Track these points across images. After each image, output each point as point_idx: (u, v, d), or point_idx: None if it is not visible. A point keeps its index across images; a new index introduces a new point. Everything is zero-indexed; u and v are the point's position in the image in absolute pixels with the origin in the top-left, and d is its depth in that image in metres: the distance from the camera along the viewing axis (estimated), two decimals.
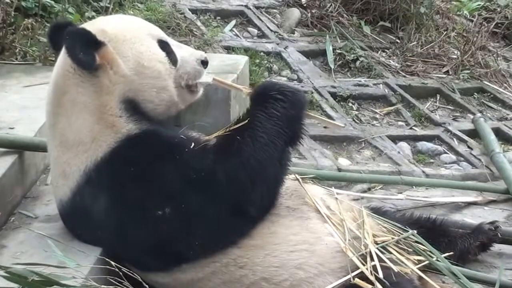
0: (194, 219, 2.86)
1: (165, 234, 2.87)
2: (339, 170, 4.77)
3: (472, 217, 4.21)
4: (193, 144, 2.91)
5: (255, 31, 6.50)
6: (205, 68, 3.14)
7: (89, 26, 3.00)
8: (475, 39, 6.70)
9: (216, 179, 2.83)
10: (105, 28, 2.95)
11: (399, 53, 6.62)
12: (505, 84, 6.58)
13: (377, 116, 5.81)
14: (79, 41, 2.84)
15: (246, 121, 2.91)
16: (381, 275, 2.88)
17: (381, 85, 6.12)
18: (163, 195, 2.85)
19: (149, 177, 2.86)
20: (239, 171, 2.84)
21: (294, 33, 6.65)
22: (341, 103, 5.81)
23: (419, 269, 3.03)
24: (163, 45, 3.03)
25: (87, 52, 2.85)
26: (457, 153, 5.39)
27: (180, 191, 2.85)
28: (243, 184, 2.85)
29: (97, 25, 2.99)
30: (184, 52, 3.11)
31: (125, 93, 2.92)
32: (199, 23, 6.23)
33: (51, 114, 3.02)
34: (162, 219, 2.84)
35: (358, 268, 2.92)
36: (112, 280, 2.67)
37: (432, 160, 5.31)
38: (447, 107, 6.14)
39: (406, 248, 3.12)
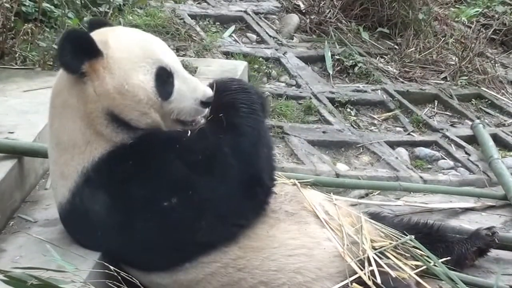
0: (204, 203, 2.86)
1: (173, 226, 2.86)
2: (337, 175, 4.78)
3: (469, 223, 4.21)
4: (189, 132, 2.93)
5: (254, 36, 6.53)
6: (205, 107, 2.99)
7: (102, 31, 2.98)
8: (473, 45, 6.72)
9: (222, 153, 2.87)
10: (109, 40, 2.91)
11: (397, 59, 6.64)
12: (502, 91, 6.60)
13: (375, 121, 5.83)
14: (72, 43, 2.82)
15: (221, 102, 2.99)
16: (379, 280, 2.90)
17: (379, 91, 6.13)
18: (171, 185, 2.86)
19: (153, 169, 2.86)
20: (240, 141, 2.91)
21: (293, 39, 6.68)
22: (340, 108, 5.83)
23: (416, 274, 3.04)
24: (162, 74, 2.92)
25: (76, 56, 2.82)
26: (454, 159, 5.40)
27: (188, 178, 2.86)
28: (249, 152, 2.91)
29: (105, 34, 2.95)
30: (186, 87, 2.96)
31: (109, 108, 2.88)
32: (198, 29, 6.26)
33: (49, 115, 3.04)
34: (170, 210, 2.85)
35: (356, 273, 2.94)
36: (110, 284, 2.69)
37: (429, 166, 5.32)
38: (445, 113, 6.15)
39: (403, 253, 3.13)
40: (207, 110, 3.00)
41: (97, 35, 2.93)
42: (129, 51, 2.91)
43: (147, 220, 2.86)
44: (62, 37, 2.88)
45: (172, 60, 2.99)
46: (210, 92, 2.98)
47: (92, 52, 2.85)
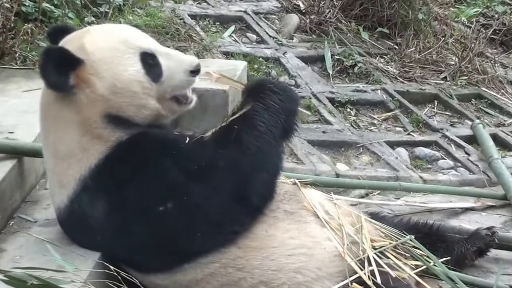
0: (197, 210, 2.85)
1: (169, 230, 2.86)
2: (337, 175, 4.78)
3: (469, 223, 4.21)
4: (187, 139, 2.92)
5: (254, 36, 6.53)
6: (195, 76, 3.02)
7: (73, 38, 2.95)
8: (473, 45, 6.73)
9: (217, 167, 2.85)
10: (85, 44, 2.88)
11: (397, 59, 6.64)
12: (502, 90, 6.60)
13: (375, 121, 5.83)
14: (53, 62, 2.79)
15: (244, 110, 2.92)
16: (379, 280, 2.90)
17: (379, 91, 6.14)
18: (166, 190, 2.85)
19: (149, 175, 2.86)
20: (240, 159, 2.86)
21: (292, 39, 6.68)
22: (339, 108, 5.83)
23: (416, 274, 3.04)
24: (147, 59, 2.92)
25: (60, 74, 2.80)
26: (454, 159, 5.41)
27: (182, 184, 2.85)
28: (245, 172, 2.87)
29: (79, 39, 2.92)
30: (172, 62, 2.97)
31: (106, 109, 2.88)
32: (198, 29, 6.25)
33: (41, 126, 3.05)
34: (165, 215, 2.84)
35: (356, 272, 2.93)
36: (111, 284, 2.69)
37: (429, 166, 5.32)
38: (445, 113, 6.16)
39: (403, 253, 3.13)
40: (197, 78, 3.02)
41: (70, 43, 2.91)
42: (108, 48, 2.89)
43: (144, 224, 2.86)
44: (41, 59, 2.84)
45: (149, 41, 3.00)
46: (196, 60, 3.01)
47: (74, 63, 2.83)
